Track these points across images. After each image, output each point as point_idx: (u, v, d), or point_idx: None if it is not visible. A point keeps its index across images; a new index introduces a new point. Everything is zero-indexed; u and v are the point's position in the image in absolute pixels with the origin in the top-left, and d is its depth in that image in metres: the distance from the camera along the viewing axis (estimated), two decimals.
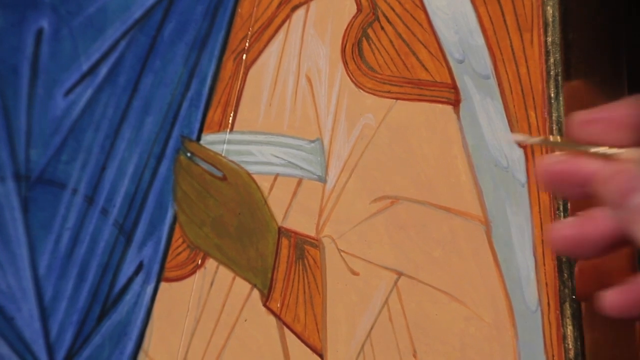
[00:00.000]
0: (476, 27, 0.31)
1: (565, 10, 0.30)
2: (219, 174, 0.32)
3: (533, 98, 0.30)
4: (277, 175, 0.32)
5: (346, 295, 0.31)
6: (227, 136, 0.32)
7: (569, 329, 0.28)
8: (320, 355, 0.31)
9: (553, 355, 0.29)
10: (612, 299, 0.26)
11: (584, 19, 0.31)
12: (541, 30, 0.30)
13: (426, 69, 0.31)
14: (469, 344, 0.30)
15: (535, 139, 0.29)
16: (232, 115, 0.32)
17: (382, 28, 0.32)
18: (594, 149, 0.23)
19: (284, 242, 0.31)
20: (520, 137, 0.29)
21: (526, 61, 0.30)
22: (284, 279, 0.31)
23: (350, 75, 0.32)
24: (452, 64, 0.31)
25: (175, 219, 0.32)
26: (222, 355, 0.31)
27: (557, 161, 0.25)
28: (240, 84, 0.32)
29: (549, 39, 0.30)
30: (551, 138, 0.29)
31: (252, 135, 0.32)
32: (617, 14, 0.32)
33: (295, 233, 0.32)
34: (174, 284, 0.31)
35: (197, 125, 0.32)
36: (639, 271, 0.25)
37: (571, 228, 0.24)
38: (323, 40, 0.32)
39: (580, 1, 0.31)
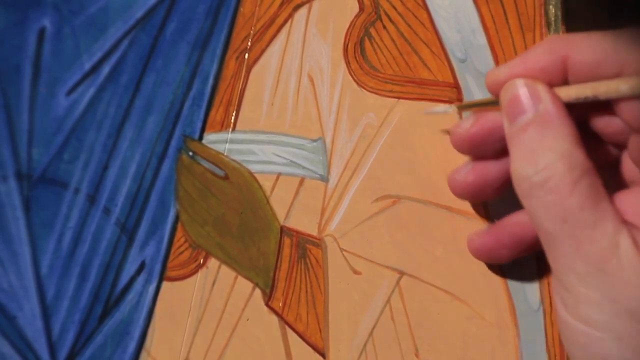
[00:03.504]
0: (478, 27, 0.31)
1: (568, 10, 0.30)
2: (221, 173, 0.32)
3: None
4: (279, 174, 0.32)
5: (348, 294, 0.31)
6: (229, 135, 0.32)
7: None
8: (323, 355, 0.31)
9: (555, 355, 0.29)
10: (476, 242, 0.29)
11: (586, 19, 0.31)
12: (543, 30, 0.30)
13: (428, 68, 0.31)
14: (471, 343, 0.30)
15: (445, 108, 0.30)
16: (234, 114, 0.32)
17: (385, 27, 0.32)
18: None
19: (286, 241, 0.31)
20: (428, 110, 0.31)
21: None
22: (286, 278, 0.31)
23: (353, 74, 0.32)
24: (454, 63, 0.31)
25: (177, 218, 0.32)
26: (224, 354, 0.31)
27: (471, 124, 0.28)
28: (243, 84, 0.32)
29: None
30: (454, 104, 0.30)
31: (254, 134, 0.32)
32: (618, 12, 0.32)
33: (297, 232, 0.32)
34: (176, 284, 0.31)
35: (199, 125, 0.32)
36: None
37: (471, 174, 0.28)
38: (325, 40, 0.32)
39: (582, 1, 0.31)
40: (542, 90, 0.25)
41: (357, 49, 0.32)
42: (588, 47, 0.25)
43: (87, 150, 0.32)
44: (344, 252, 0.31)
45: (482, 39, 0.31)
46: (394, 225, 0.31)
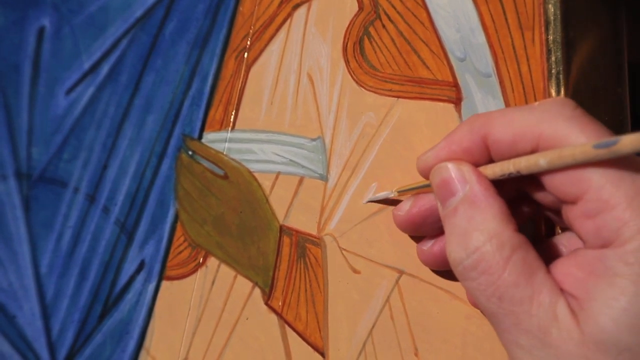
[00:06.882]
0: (477, 25, 0.31)
1: (567, 9, 0.30)
2: (221, 172, 0.32)
3: (534, 96, 0.30)
4: (278, 173, 0.32)
5: (348, 293, 0.31)
6: (229, 134, 0.32)
7: None
8: (322, 354, 0.31)
9: None
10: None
11: (585, 17, 0.31)
12: (542, 29, 0.30)
13: (427, 67, 0.31)
14: (470, 342, 0.30)
15: (386, 193, 0.31)
16: (233, 113, 0.32)
17: (384, 26, 0.32)
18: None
19: (286, 240, 0.32)
20: (370, 197, 0.31)
21: (527, 59, 0.30)
22: (285, 278, 0.31)
23: (352, 73, 0.32)
24: (453, 62, 0.31)
25: (176, 218, 0.32)
26: (223, 353, 0.31)
27: (409, 206, 0.29)
28: (242, 83, 0.32)
29: (551, 37, 0.30)
30: (395, 190, 0.31)
31: (254, 133, 0.32)
32: (618, 11, 0.32)
33: (297, 231, 0.32)
34: (176, 283, 0.31)
35: (198, 124, 0.32)
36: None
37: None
38: (324, 39, 0.32)
39: None
40: (466, 171, 0.26)
41: (357, 48, 0.32)
42: (504, 124, 0.25)
43: (87, 150, 0.32)
44: (343, 251, 0.31)
45: (481, 38, 0.31)
46: (394, 224, 0.31)
